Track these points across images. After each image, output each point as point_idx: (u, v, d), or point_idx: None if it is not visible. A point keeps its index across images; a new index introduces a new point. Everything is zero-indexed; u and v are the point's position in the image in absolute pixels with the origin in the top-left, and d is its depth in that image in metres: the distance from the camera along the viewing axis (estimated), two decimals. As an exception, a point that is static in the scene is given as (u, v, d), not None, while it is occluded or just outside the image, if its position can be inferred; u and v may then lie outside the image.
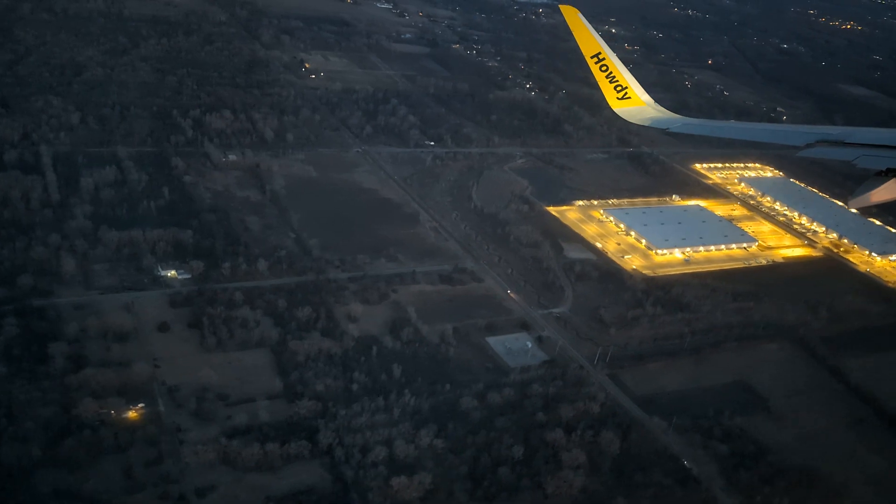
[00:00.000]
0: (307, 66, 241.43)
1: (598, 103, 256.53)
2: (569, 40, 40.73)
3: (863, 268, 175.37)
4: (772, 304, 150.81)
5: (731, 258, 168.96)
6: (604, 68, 39.39)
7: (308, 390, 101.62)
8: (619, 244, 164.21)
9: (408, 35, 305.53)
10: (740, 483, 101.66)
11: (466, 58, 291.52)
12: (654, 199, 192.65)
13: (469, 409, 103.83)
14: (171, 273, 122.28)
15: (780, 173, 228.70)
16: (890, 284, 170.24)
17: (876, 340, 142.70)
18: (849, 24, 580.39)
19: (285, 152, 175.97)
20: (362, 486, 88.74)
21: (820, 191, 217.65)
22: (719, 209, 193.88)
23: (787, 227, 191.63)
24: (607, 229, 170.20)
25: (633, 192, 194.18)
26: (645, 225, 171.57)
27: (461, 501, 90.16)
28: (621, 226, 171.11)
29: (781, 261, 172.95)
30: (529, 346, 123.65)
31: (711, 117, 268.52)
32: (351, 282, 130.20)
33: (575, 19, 39.34)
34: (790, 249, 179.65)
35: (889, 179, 27.10)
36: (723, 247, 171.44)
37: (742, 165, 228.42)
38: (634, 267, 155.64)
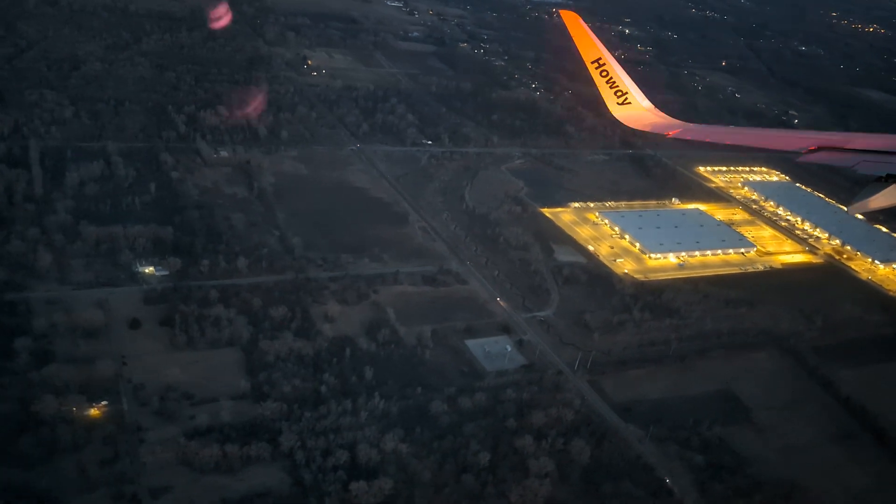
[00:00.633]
0: (310, 63, 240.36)
1: (603, 104, 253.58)
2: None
3: (864, 276, 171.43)
4: (765, 311, 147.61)
5: (727, 263, 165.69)
6: (604, 74, 38.99)
7: (274, 391, 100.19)
8: (612, 247, 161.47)
9: (415, 33, 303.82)
10: (714, 495, 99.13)
11: (473, 57, 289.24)
12: (653, 203, 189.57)
13: (438, 414, 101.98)
14: (149, 270, 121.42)
15: (787, 178, 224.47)
16: (891, 293, 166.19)
17: (871, 351, 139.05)
18: (871, 27, 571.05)
19: (278, 149, 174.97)
20: (320, 490, 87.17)
21: (826, 196, 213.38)
22: (720, 213, 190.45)
23: (789, 232, 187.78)
24: (601, 232, 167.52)
25: (632, 195, 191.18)
26: (640, 228, 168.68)
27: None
28: (616, 229, 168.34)
29: (780, 267, 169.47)
30: (509, 349, 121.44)
31: (720, 120, 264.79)
32: (331, 281, 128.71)
33: (576, 24, 38.70)
34: (790, 255, 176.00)
35: (889, 185, 26.71)
36: (719, 252, 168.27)
37: (748, 169, 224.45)
38: (626, 271, 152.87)
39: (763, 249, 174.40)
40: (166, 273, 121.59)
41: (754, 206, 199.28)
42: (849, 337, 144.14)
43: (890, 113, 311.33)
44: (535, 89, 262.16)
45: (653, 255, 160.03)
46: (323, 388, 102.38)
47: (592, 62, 38.83)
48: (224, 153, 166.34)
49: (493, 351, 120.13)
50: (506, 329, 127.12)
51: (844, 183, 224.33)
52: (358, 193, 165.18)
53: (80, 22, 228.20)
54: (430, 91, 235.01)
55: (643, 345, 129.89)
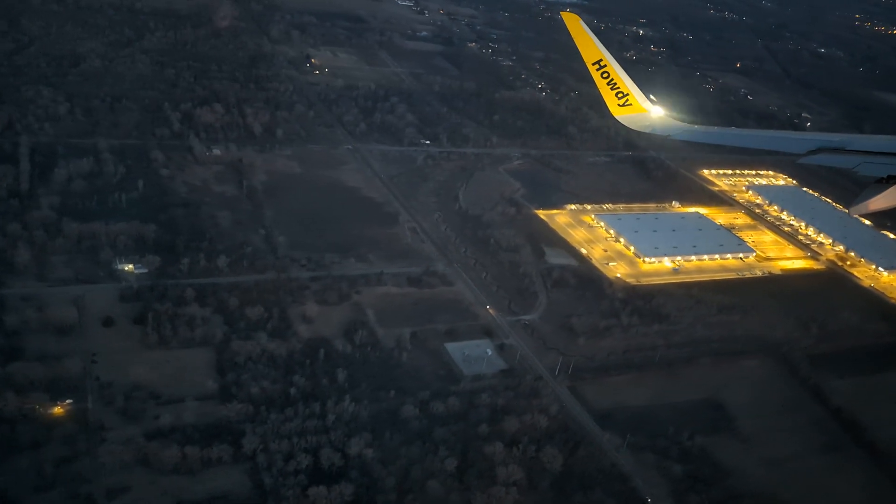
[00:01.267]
0: (314, 61, 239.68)
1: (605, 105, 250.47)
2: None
3: (867, 283, 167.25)
4: (760, 318, 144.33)
5: (724, 268, 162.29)
6: (605, 75, 39.36)
7: (242, 393, 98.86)
8: (605, 251, 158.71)
9: (423, 33, 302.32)
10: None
11: (480, 57, 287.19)
12: (652, 206, 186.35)
13: (409, 418, 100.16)
14: (128, 267, 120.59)
15: (794, 182, 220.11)
16: (893, 301, 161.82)
17: (866, 361, 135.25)
18: (894, 30, 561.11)
19: (272, 148, 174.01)
20: (279, 494, 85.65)
21: (834, 201, 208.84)
22: (721, 217, 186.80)
23: (792, 237, 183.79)
24: (596, 235, 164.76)
25: (631, 198, 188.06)
26: (636, 232, 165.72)
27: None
28: (611, 232, 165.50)
29: (779, 273, 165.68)
30: (489, 353, 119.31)
31: (730, 122, 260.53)
32: (313, 281, 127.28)
33: (576, 26, 39.20)
34: (790, 261, 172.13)
35: (890, 186, 26.85)
36: (717, 256, 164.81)
37: (754, 172, 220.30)
38: (618, 275, 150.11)
39: (763, 255, 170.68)
40: (145, 271, 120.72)
41: (757, 211, 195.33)
42: (845, 346, 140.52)
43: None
44: (542, 90, 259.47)
45: (647, 259, 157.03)
46: (292, 391, 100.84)
47: (593, 64, 39.22)
48: (217, 151, 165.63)
49: (472, 355, 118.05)
50: (488, 332, 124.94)
51: (854, 188, 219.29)
52: (350, 193, 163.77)
53: (85, 19, 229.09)
54: (432, 91, 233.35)
55: (629, 350, 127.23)
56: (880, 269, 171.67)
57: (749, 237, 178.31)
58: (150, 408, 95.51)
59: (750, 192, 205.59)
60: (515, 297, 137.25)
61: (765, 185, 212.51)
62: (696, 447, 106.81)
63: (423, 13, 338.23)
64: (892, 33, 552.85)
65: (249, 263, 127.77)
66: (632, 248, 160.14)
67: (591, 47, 39.09)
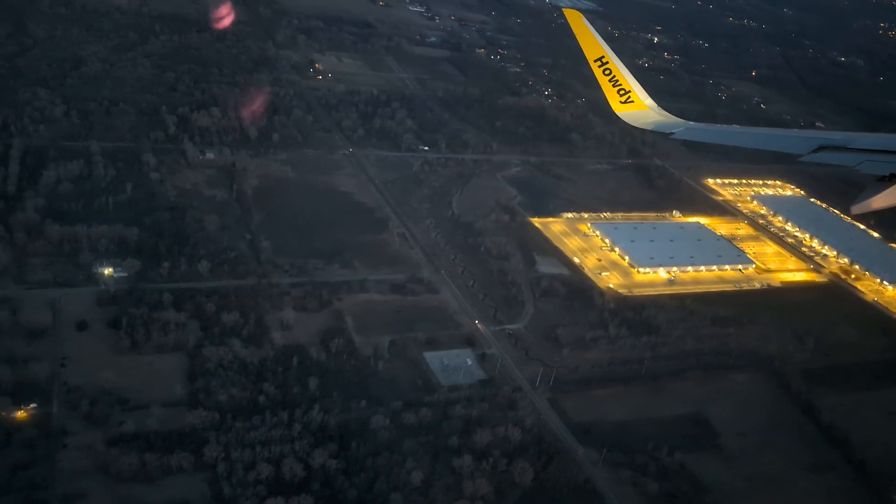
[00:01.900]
0: (318, 66, 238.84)
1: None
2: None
3: (870, 297, 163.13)
4: (754, 331, 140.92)
5: (722, 280, 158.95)
6: (607, 72, 39.40)
7: (210, 399, 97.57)
8: (599, 260, 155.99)
9: (432, 38, 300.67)
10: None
11: (488, 62, 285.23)
12: (652, 215, 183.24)
13: (378, 429, 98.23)
14: (108, 271, 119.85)
15: (802, 192, 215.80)
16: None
17: (862, 378, 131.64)
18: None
19: (267, 152, 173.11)
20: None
21: (843, 212, 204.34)
22: (722, 227, 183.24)
23: (795, 249, 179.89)
24: (591, 244, 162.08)
25: (630, 206, 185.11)
26: (632, 241, 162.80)
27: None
28: (606, 241, 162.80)
29: (778, 285, 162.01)
30: (469, 363, 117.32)
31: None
32: (294, 287, 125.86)
33: (579, 23, 39.18)
34: (791, 273, 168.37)
35: (891, 185, 26.58)
36: (715, 268, 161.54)
37: (760, 182, 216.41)
38: (610, 285, 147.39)
39: (763, 266, 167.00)
40: (125, 275, 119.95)
41: (761, 221, 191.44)
42: (841, 361, 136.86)
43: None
44: (548, 96, 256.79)
45: (641, 270, 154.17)
46: (261, 398, 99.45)
47: (595, 61, 39.19)
48: (210, 155, 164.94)
49: (451, 364, 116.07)
50: (470, 342, 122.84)
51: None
52: (342, 198, 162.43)
53: (91, 22, 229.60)
54: (435, 96, 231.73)
55: (615, 363, 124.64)
56: (885, 282, 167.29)
57: (750, 248, 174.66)
58: (116, 413, 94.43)
59: (755, 202, 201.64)
60: (502, 305, 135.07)
61: (771, 196, 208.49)
62: (676, 463, 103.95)
63: (434, 19, 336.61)
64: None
65: (231, 269, 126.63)
66: (626, 257, 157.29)
67: (593, 44, 39.09)
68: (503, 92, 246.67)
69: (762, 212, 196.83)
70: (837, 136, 30.49)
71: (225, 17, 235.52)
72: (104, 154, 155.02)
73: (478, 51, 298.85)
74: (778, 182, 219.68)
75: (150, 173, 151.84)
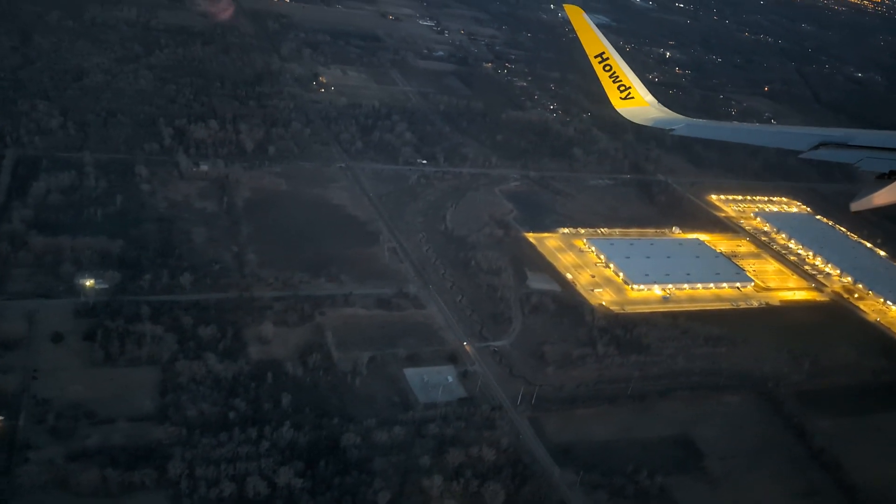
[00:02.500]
0: (322, 79, 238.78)
1: (621, 126, 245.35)
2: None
3: (872, 317, 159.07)
4: (749, 351, 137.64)
5: (718, 298, 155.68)
6: (607, 68, 39.65)
7: (178, 414, 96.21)
8: (593, 276, 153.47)
9: (440, 52, 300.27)
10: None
11: (494, 77, 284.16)
12: (651, 231, 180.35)
13: (349, 447, 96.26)
14: (89, 282, 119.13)
15: (808, 209, 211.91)
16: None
17: (859, 400, 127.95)
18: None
19: (262, 164, 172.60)
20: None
21: (850, 230, 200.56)
22: (723, 244, 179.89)
23: (797, 267, 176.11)
24: (586, 260, 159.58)
25: (629, 222, 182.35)
26: (627, 258, 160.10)
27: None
28: (601, 257, 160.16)
29: (778, 304, 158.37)
30: (450, 380, 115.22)
31: (748, 146, 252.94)
32: (276, 301, 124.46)
33: (579, 19, 39.55)
34: (792, 292, 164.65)
35: (892, 182, 26.65)
36: (712, 285, 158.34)
37: (766, 199, 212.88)
38: (602, 302, 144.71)
39: (762, 284, 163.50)
40: (106, 286, 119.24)
41: (763, 238, 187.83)
42: (838, 383, 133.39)
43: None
44: (553, 111, 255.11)
45: (635, 287, 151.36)
46: (231, 414, 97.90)
47: (595, 56, 39.51)
48: (204, 167, 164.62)
49: (431, 381, 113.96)
50: (453, 358, 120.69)
51: (872, 216, 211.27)
52: (334, 211, 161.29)
53: (97, 35, 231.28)
54: (437, 110, 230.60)
55: (601, 382, 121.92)
56: (889, 302, 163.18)
57: (750, 266, 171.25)
58: (83, 427, 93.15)
59: (758, 218, 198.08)
60: (489, 322, 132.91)
61: (775, 212, 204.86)
62: (656, 487, 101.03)
63: (444, 33, 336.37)
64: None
65: (213, 281, 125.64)
66: (621, 274, 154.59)
67: (593, 40, 39.27)
68: (507, 106, 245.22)
69: (765, 229, 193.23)
70: (838, 133, 30.48)
71: (225, 11, 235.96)
72: (97, 165, 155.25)
73: (485, 65, 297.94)
74: (784, 199, 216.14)
75: (142, 185, 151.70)
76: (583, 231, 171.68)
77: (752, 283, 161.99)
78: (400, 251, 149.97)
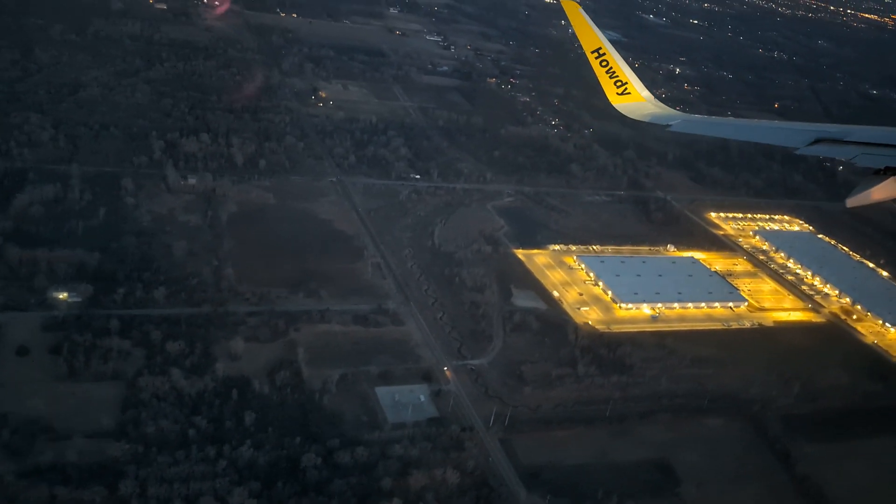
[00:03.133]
0: (322, 94, 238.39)
1: (623, 142, 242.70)
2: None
3: (870, 339, 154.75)
4: (737, 373, 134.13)
5: (710, 318, 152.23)
6: (604, 63, 39.59)
7: (136, 431, 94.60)
8: (581, 294, 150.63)
9: (444, 67, 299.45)
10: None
11: (497, 92, 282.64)
12: (644, 248, 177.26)
13: (308, 468, 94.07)
14: (63, 295, 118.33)
15: (810, 228, 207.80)
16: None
17: (849, 426, 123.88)
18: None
19: (251, 178, 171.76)
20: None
21: (853, 250, 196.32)
22: (718, 263, 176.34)
23: (794, 287, 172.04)
24: (575, 277, 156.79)
25: (623, 240, 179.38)
26: (617, 275, 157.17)
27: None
28: (591, 274, 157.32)
29: (771, 325, 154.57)
30: (422, 399, 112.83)
31: (750, 164, 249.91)
32: (250, 316, 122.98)
33: (576, 14, 39.47)
34: (787, 313, 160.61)
35: (887, 178, 26.57)
36: (703, 305, 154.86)
37: (767, 217, 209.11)
38: (588, 321, 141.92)
39: (756, 304, 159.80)
40: (79, 300, 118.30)
41: (761, 257, 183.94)
42: (829, 407, 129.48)
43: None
44: (554, 126, 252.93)
45: (624, 305, 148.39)
46: (191, 432, 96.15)
47: (592, 52, 39.52)
48: (192, 180, 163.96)
49: (403, 400, 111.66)
50: (427, 377, 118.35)
51: (876, 234, 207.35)
52: (320, 225, 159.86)
53: (100, 49, 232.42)
54: (436, 125, 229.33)
55: (580, 403, 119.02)
56: (888, 324, 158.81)
57: (746, 285, 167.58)
58: (38, 443, 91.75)
59: (757, 237, 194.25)
60: (468, 339, 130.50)
61: (775, 231, 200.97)
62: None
63: (450, 49, 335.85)
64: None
65: (188, 296, 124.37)
66: (609, 292, 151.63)
67: (590, 35, 39.23)
68: (508, 121, 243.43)
69: (764, 247, 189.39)
70: (834, 129, 30.25)
71: (221, 5, 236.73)
72: (84, 178, 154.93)
73: (489, 80, 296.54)
74: (786, 217, 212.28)
75: (126, 198, 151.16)
76: (574, 248, 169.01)
77: (746, 303, 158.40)
78: (384, 267, 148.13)
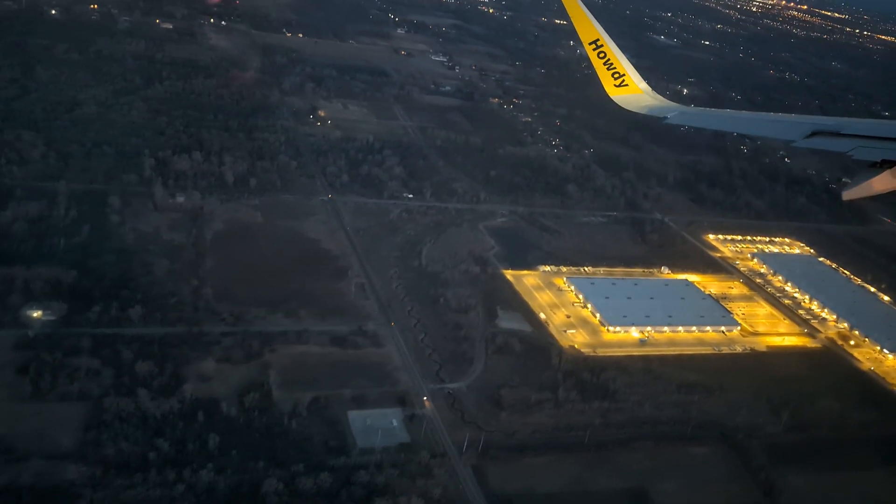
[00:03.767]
0: (321, 113, 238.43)
1: (623, 163, 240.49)
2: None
3: (866, 366, 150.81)
4: (724, 399, 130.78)
5: (700, 342, 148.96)
6: (601, 55, 39.41)
7: (95, 453, 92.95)
8: (568, 317, 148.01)
9: (446, 87, 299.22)
10: None
11: (499, 112, 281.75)
12: (638, 271, 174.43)
13: (269, 494, 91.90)
14: (37, 314, 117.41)
15: (811, 250, 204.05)
16: (894, 388, 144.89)
17: (838, 456, 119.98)
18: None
19: (241, 197, 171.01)
20: (89, 570, 78.65)
21: (854, 274, 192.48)
22: (713, 286, 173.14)
23: (791, 311, 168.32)
24: (564, 299, 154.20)
25: (616, 261, 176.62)
26: (607, 298, 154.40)
27: None
28: (580, 296, 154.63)
29: (764, 350, 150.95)
30: (395, 424, 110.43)
31: (754, 186, 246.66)
32: (225, 337, 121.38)
33: (574, 5, 39.23)
34: (781, 338, 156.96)
35: (883, 171, 26.47)
36: (694, 329, 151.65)
37: (766, 239, 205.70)
38: (573, 344, 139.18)
39: (749, 329, 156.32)
40: (53, 318, 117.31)
41: (758, 280, 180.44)
42: (818, 436, 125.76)
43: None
44: (554, 146, 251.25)
45: (611, 328, 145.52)
46: (152, 454, 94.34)
47: (590, 44, 39.31)
48: (180, 198, 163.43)
49: (375, 425, 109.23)
50: (402, 401, 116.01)
51: (880, 258, 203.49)
52: (307, 244, 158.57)
53: (100, 67, 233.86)
54: (433, 144, 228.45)
55: (558, 429, 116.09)
56: (885, 350, 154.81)
57: (740, 309, 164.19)
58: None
59: (755, 259, 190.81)
60: (448, 362, 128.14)
61: (774, 254, 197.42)
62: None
63: (454, 69, 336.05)
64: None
65: (163, 315, 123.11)
66: (598, 315, 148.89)
67: (587, 27, 38.99)
68: (507, 141, 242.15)
69: (762, 270, 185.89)
70: (831, 122, 30.25)
71: None
72: (72, 196, 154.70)
73: (491, 100, 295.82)
74: (787, 239, 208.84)
75: (112, 216, 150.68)
76: (565, 269, 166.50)
77: (739, 328, 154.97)
78: (368, 287, 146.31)
